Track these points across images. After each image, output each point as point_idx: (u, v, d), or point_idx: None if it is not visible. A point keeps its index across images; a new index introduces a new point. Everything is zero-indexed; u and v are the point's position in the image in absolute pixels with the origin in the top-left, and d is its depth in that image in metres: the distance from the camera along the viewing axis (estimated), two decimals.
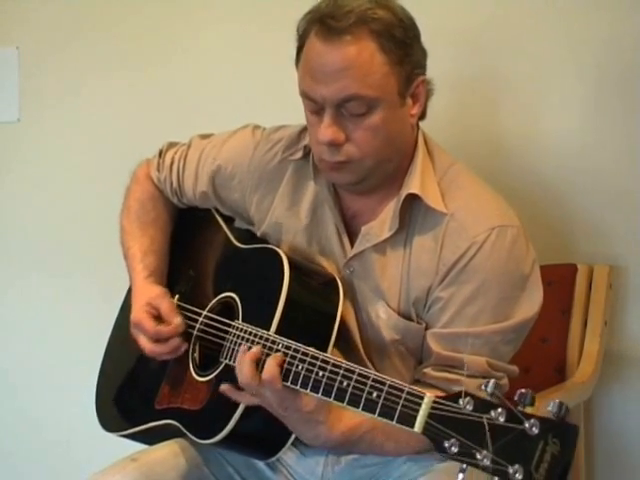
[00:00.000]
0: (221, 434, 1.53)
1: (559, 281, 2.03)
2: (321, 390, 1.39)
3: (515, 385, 1.96)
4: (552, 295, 2.02)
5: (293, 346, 1.45)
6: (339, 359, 1.41)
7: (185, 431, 1.61)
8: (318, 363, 1.40)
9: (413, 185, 1.56)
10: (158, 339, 1.66)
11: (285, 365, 1.44)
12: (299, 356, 1.43)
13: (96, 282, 2.57)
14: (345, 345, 1.59)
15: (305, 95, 1.52)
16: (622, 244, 2.07)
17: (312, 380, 1.40)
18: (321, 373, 1.39)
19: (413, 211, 1.58)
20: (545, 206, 2.12)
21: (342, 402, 1.36)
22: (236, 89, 2.43)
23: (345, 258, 1.62)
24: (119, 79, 2.58)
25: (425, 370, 1.56)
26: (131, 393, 1.81)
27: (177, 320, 1.66)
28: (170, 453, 1.65)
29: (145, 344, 1.67)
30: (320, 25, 1.49)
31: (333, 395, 1.37)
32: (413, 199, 1.57)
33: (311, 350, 1.43)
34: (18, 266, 2.75)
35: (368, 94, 1.48)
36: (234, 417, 1.51)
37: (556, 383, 1.96)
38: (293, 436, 1.53)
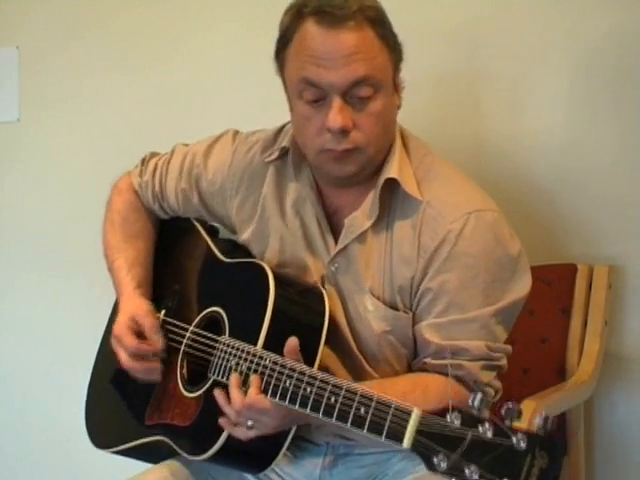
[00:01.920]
0: (212, 450, 1.52)
1: (559, 281, 2.03)
2: (309, 406, 1.39)
3: (515, 385, 1.97)
4: (552, 295, 2.03)
5: (280, 361, 1.45)
6: (326, 374, 1.41)
7: (176, 447, 1.61)
8: (305, 379, 1.41)
9: (391, 171, 1.57)
10: (137, 355, 1.66)
11: (273, 381, 1.44)
12: (286, 371, 1.43)
13: (96, 282, 2.55)
14: (337, 342, 1.59)
15: (309, 82, 1.52)
16: (622, 244, 2.07)
17: (300, 396, 1.40)
18: (309, 389, 1.39)
19: (392, 198, 1.59)
20: (545, 206, 2.12)
21: (330, 418, 1.36)
22: (236, 89, 2.43)
23: (329, 255, 1.63)
24: (119, 79, 2.58)
25: (426, 360, 1.56)
26: (120, 409, 1.79)
27: (156, 339, 1.67)
28: (160, 479, 1.64)
29: (123, 359, 1.67)
30: (320, 14, 1.50)
31: (321, 411, 1.37)
32: (392, 185, 1.58)
33: (298, 365, 1.43)
34: (18, 266, 2.75)
35: (377, 75, 1.51)
36: (224, 432, 1.51)
37: (556, 383, 1.96)
38: (285, 447, 1.54)
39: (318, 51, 1.50)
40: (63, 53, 2.65)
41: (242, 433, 1.48)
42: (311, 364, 1.49)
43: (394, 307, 1.59)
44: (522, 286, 1.58)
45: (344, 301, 1.62)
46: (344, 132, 1.51)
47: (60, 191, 2.68)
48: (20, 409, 2.77)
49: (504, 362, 1.60)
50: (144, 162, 1.89)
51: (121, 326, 1.68)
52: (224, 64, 2.45)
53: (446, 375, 1.49)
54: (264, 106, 2.30)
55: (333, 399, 1.36)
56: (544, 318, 2.02)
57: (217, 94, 2.44)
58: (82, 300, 2.64)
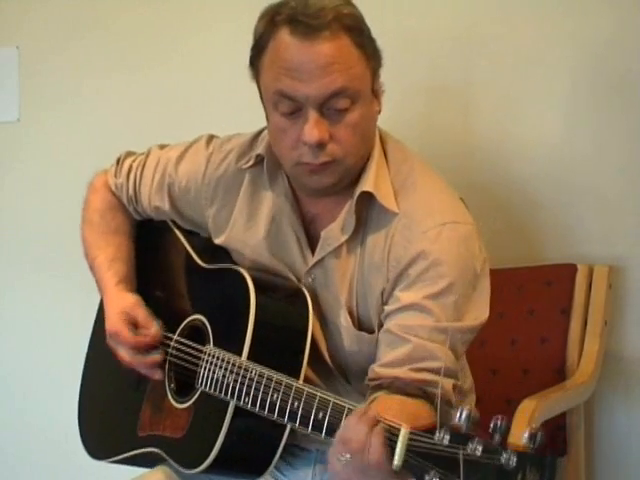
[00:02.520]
0: (205, 463, 1.51)
1: (559, 281, 2.03)
2: (298, 421, 1.39)
3: (515, 385, 1.97)
4: (552, 295, 2.03)
5: (266, 374, 1.44)
6: (311, 387, 1.40)
7: (169, 460, 1.60)
8: (292, 393, 1.40)
9: (367, 184, 1.53)
10: (138, 350, 1.64)
11: (260, 395, 1.43)
12: (273, 384, 1.43)
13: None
14: (313, 355, 1.56)
15: (283, 95, 1.47)
16: (622, 244, 2.07)
17: (288, 412, 1.40)
18: (296, 404, 1.39)
19: (368, 209, 1.55)
20: (545, 206, 2.12)
21: (320, 433, 1.36)
22: (236, 89, 2.41)
23: (306, 266, 1.59)
24: (119, 79, 2.58)
25: (397, 372, 1.47)
26: (111, 419, 1.78)
27: (154, 329, 1.64)
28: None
29: (124, 356, 1.65)
30: (294, 24, 1.45)
31: (310, 427, 1.37)
32: (368, 198, 1.54)
33: (284, 378, 1.42)
34: (17, 266, 2.75)
35: (354, 86, 1.46)
36: (216, 445, 1.49)
37: (556, 383, 1.96)
38: (279, 453, 1.52)
39: (293, 63, 1.45)
40: (63, 53, 2.65)
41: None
42: (297, 371, 1.48)
43: (364, 325, 1.55)
44: (484, 306, 1.53)
45: (321, 312, 1.59)
46: (321, 145, 1.46)
47: (60, 191, 2.67)
48: (20, 409, 2.77)
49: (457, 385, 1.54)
50: (119, 162, 1.86)
51: (115, 322, 1.66)
52: (223, 64, 2.44)
53: (421, 395, 1.43)
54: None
55: (321, 415, 1.36)
56: (544, 318, 2.02)
57: (216, 94, 2.44)
58: (82, 300, 2.61)
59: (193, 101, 2.47)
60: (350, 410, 1.33)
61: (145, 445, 1.65)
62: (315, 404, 1.37)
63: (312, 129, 1.45)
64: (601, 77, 2.06)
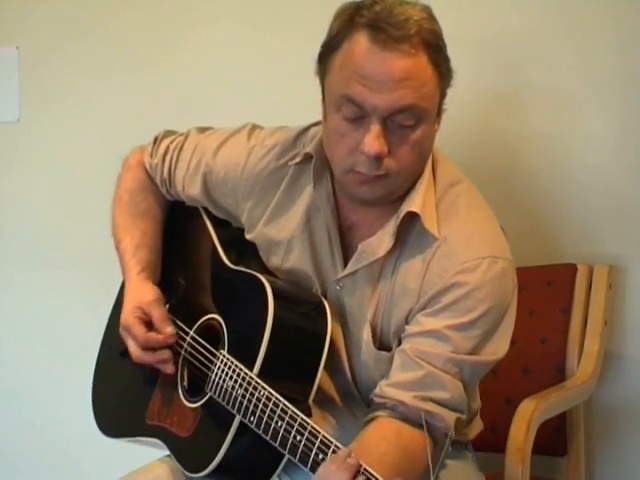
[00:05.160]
0: (209, 468, 1.51)
1: (559, 281, 2.03)
2: (297, 457, 1.38)
3: (515, 385, 1.97)
4: (552, 295, 2.03)
5: (273, 399, 1.43)
6: (316, 427, 1.39)
7: (173, 459, 1.60)
8: (296, 426, 1.39)
9: (415, 203, 1.50)
10: (147, 347, 1.63)
11: (265, 418, 1.42)
12: (278, 412, 1.42)
13: (96, 282, 2.56)
14: (332, 364, 1.55)
15: (351, 100, 1.43)
16: (622, 244, 2.07)
17: (290, 443, 1.39)
18: (298, 437, 1.38)
19: (409, 230, 1.53)
20: (545, 206, 2.12)
21: (313, 473, 1.36)
22: (236, 89, 2.43)
23: (336, 272, 1.57)
24: (119, 79, 2.58)
25: (403, 397, 1.47)
26: (124, 400, 1.77)
27: (168, 330, 1.62)
28: (163, 474, 1.63)
29: (133, 350, 1.64)
30: (375, 30, 1.41)
31: (309, 466, 1.37)
32: (411, 218, 1.51)
33: (290, 408, 1.41)
34: (18, 265, 2.75)
35: (423, 105, 1.43)
36: (219, 453, 1.49)
37: (556, 383, 1.96)
38: (283, 462, 1.50)
39: (367, 70, 1.41)
40: (63, 53, 2.65)
41: None
42: (308, 390, 1.48)
43: (384, 343, 1.54)
44: (502, 345, 1.52)
45: (344, 322, 1.57)
46: (379, 158, 1.43)
47: (60, 191, 2.68)
48: (20, 408, 2.77)
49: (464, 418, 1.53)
50: (156, 141, 1.82)
51: (129, 316, 1.64)
52: (224, 64, 2.45)
53: (421, 424, 1.43)
54: (265, 106, 2.31)
55: (321, 457, 1.35)
56: (544, 318, 2.02)
57: (217, 94, 2.44)
58: (82, 299, 2.64)
59: (193, 101, 2.47)
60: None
61: (151, 434, 1.66)
62: (316, 445, 1.36)
63: (374, 141, 1.42)
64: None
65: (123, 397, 1.79)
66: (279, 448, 1.41)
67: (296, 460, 1.39)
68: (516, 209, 2.13)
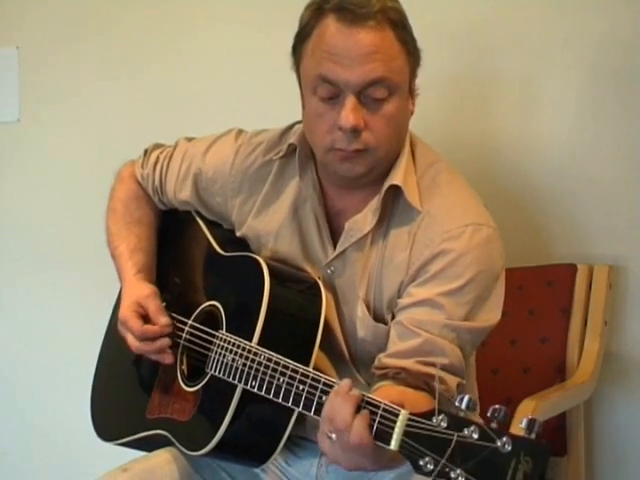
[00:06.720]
0: (209, 446, 1.52)
1: (559, 281, 2.03)
2: (302, 404, 1.40)
3: (515, 385, 1.97)
4: (552, 295, 2.03)
5: (274, 358, 1.45)
6: (317, 372, 1.41)
7: (175, 442, 1.61)
8: (298, 377, 1.41)
9: (396, 178, 1.56)
10: (145, 338, 1.66)
11: (267, 378, 1.44)
12: (280, 369, 1.44)
13: (96, 282, 2.56)
14: (329, 344, 1.58)
15: (324, 79, 1.50)
16: (622, 244, 2.07)
17: (293, 394, 1.41)
18: (301, 387, 1.40)
19: (394, 205, 1.58)
20: (546, 206, 2.12)
21: (319, 416, 1.35)
22: (236, 90, 2.43)
23: (326, 257, 1.61)
24: (119, 79, 2.58)
25: (404, 364, 1.49)
26: (123, 401, 1.80)
27: (164, 320, 1.66)
28: (162, 462, 1.65)
29: (132, 342, 1.67)
30: (341, 12, 1.48)
31: (313, 410, 1.38)
32: (395, 193, 1.57)
33: (291, 363, 1.43)
34: (18, 266, 2.75)
35: (393, 78, 1.49)
36: (221, 428, 1.51)
37: (556, 383, 1.96)
38: (283, 442, 1.53)
39: (337, 48, 1.49)
40: (63, 53, 2.65)
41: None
42: (306, 361, 1.49)
43: (379, 317, 1.58)
44: (498, 308, 1.56)
45: (338, 304, 1.61)
46: (355, 132, 1.49)
47: (60, 191, 2.68)
48: (20, 409, 2.77)
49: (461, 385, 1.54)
50: (146, 153, 1.88)
51: (126, 310, 1.68)
52: (224, 65, 2.45)
53: (425, 388, 1.44)
54: (265, 106, 2.31)
55: (324, 398, 1.36)
56: (544, 318, 2.03)
57: (218, 95, 2.44)
58: (82, 299, 2.64)
59: (194, 101, 2.47)
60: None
61: (152, 427, 1.67)
62: (319, 388, 1.37)
63: (349, 114, 1.48)
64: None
65: (123, 399, 1.80)
66: (282, 402, 1.42)
67: (300, 408, 1.40)
68: (516, 209, 2.13)
